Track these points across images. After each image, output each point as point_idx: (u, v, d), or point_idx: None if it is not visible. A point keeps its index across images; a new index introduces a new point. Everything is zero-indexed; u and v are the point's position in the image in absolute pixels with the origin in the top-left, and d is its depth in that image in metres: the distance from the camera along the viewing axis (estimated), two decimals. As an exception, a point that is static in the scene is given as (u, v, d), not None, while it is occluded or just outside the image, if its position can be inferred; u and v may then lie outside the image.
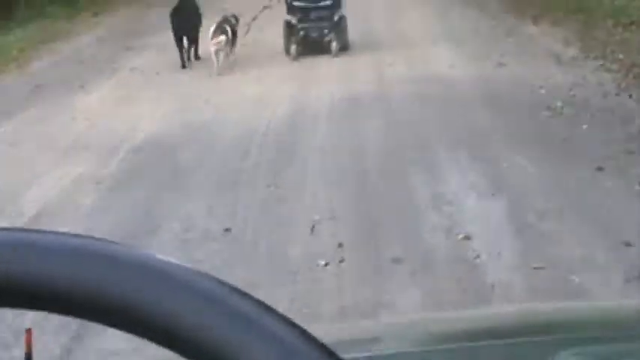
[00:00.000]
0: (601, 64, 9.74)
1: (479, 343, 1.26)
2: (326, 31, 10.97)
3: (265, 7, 11.76)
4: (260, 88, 9.65)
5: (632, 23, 12.44)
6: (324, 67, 10.60)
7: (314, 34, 11.01)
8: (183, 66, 10.88)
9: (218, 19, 10.75)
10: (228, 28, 10.54)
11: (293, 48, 10.94)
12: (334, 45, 10.90)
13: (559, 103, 7.98)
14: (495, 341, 1.25)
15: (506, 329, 1.37)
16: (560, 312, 1.56)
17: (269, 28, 11.61)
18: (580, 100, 8.10)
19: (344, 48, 11.02)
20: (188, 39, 10.97)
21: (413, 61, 10.46)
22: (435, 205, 5.55)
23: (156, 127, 8.27)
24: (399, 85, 9.22)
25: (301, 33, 10.99)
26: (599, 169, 6.04)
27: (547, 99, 8.23)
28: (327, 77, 10.00)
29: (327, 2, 11.09)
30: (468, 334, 1.36)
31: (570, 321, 1.39)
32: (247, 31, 11.32)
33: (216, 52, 10.38)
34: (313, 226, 5.36)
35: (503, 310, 2.20)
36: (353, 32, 11.46)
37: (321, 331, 0.71)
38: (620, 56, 10.12)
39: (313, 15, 11.06)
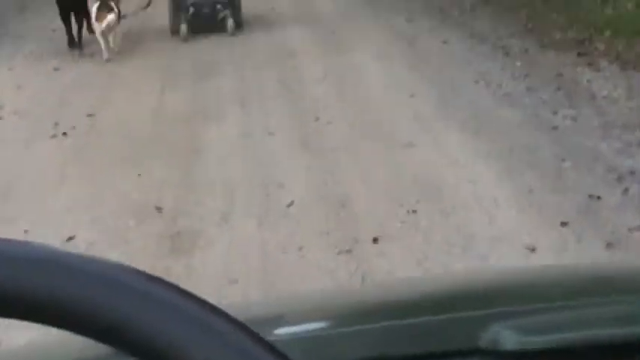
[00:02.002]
0: None
1: (403, 322, 1.06)
2: (219, 6, 9.82)
3: None
4: None
5: None
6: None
7: (206, 10, 9.80)
8: (71, 43, 9.40)
9: None
10: (114, 5, 9.06)
11: (183, 27, 9.62)
12: (230, 23, 9.75)
13: None
14: (413, 319, 1.07)
15: (431, 300, 1.23)
16: (500, 277, 1.42)
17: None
18: None
19: (239, 26, 9.86)
20: (76, 16, 9.38)
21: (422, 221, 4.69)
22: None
23: None
24: None
25: (191, 9, 9.74)
26: None
27: None
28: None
29: None
30: (389, 305, 1.24)
31: (510, 288, 1.27)
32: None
33: (103, 34, 8.91)
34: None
35: (434, 276, 1.76)
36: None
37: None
38: None
39: None
